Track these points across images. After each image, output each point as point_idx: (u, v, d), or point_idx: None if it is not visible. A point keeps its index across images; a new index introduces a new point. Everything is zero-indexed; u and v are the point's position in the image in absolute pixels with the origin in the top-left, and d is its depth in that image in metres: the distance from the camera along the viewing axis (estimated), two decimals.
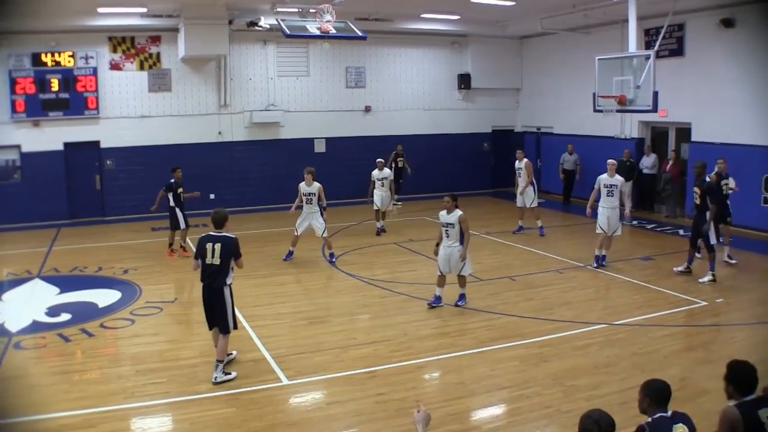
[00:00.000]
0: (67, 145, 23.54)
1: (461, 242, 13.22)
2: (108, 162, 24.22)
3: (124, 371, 10.46)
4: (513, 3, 22.28)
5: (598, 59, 18.49)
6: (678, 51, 22.73)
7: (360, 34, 20.34)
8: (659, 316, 13.10)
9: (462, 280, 13.60)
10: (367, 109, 28.12)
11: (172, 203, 18.77)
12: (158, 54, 24.48)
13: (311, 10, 20.24)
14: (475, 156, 29.70)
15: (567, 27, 25.69)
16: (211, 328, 10.61)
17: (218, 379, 10.02)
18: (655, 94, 16.77)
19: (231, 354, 10.90)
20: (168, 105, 24.79)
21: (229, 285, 10.57)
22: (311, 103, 27.12)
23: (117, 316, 13.24)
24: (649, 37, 22.94)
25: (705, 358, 10.90)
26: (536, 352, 11.28)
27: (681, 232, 20.99)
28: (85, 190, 24.19)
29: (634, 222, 22.06)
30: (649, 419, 5.84)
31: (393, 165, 25.27)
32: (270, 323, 12.73)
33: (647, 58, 17.01)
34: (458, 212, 13.10)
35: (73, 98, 23.31)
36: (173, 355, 11.12)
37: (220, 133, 25.61)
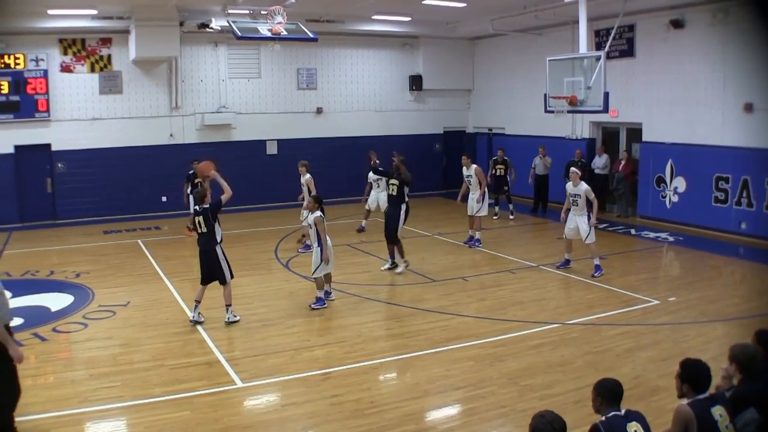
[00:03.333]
0: (17, 148, 23.24)
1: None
2: (59, 165, 23.93)
3: (78, 376, 10.40)
4: (464, 4, 22.40)
5: (549, 60, 18.66)
6: (628, 52, 23.04)
7: (311, 35, 20.41)
8: (612, 315, 13.27)
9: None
10: (319, 111, 28.12)
11: (189, 191, 20.89)
12: (109, 56, 24.28)
13: (262, 12, 20.29)
14: (427, 157, 29.83)
15: (518, 28, 25.93)
16: (204, 284, 12.92)
17: (230, 320, 12.77)
18: (606, 95, 16.98)
19: (236, 317, 12.92)
20: (119, 107, 24.60)
21: (220, 243, 12.89)
22: (263, 105, 27.08)
23: (70, 320, 13.14)
24: (599, 38, 23.22)
25: (657, 356, 11.04)
26: (490, 352, 11.37)
27: (633, 231, 21.39)
28: (36, 194, 23.83)
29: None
30: (603, 418, 5.92)
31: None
32: (224, 326, 12.70)
33: (598, 59, 17.20)
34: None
35: (23, 101, 23.01)
36: (127, 359, 11.06)
37: (171, 135, 25.48)
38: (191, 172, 20.94)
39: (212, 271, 12.78)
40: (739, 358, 6.71)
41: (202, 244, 12.79)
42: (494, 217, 22.87)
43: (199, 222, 12.71)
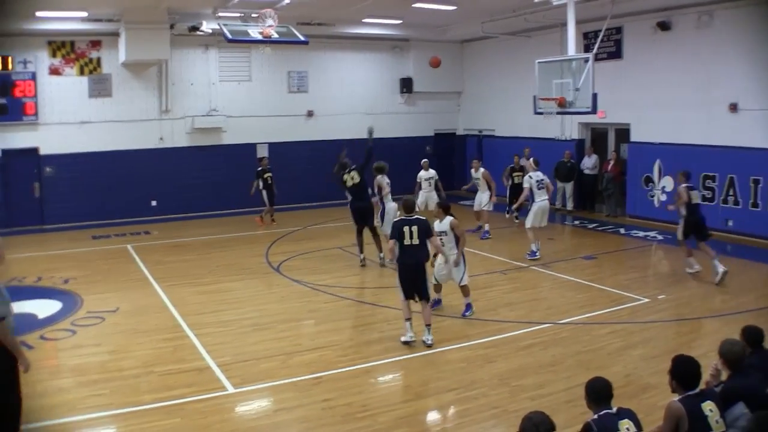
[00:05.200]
0: (4, 152, 23.00)
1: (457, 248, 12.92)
2: (47, 169, 23.68)
3: (66, 383, 10.27)
4: (454, 7, 22.43)
5: (538, 62, 18.69)
6: (616, 54, 23.22)
7: (302, 38, 20.39)
8: (602, 314, 13.32)
9: (465, 289, 13.31)
10: (310, 114, 28.04)
11: (261, 187, 23.07)
12: (99, 59, 24.09)
13: (253, 15, 20.27)
14: (418, 159, 29.53)
15: (507, 31, 25.93)
16: (409, 298, 11.76)
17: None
18: (594, 96, 17.07)
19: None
20: (109, 110, 24.39)
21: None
22: (253, 108, 26.93)
23: (57, 327, 12.98)
24: (588, 41, 23.31)
25: (648, 354, 11.08)
26: (482, 353, 11.36)
27: (622, 230, 21.57)
28: (23, 198, 23.52)
29: (576, 222, 22.28)
30: (595, 416, 5.99)
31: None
32: (214, 331, 12.59)
33: (586, 60, 17.28)
34: (449, 219, 12.88)
35: (11, 104, 22.77)
36: (116, 366, 10.92)
37: (161, 138, 25.32)
38: (260, 168, 23.02)
39: (417, 284, 11.75)
40: (727, 354, 6.81)
41: (412, 256, 11.65)
42: (515, 220, 22.81)
43: (411, 232, 11.61)
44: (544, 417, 5.49)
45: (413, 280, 11.67)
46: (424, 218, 11.78)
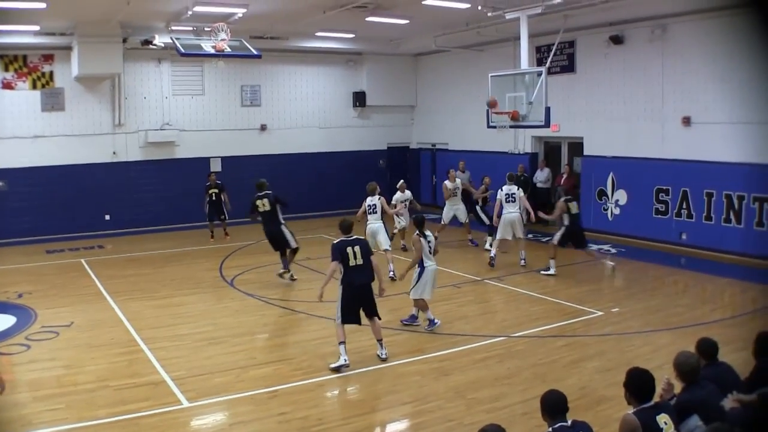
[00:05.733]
0: None
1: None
2: (0, 183, 23.64)
3: (21, 398, 10.23)
4: (407, 21, 22.54)
5: (491, 76, 18.84)
6: (569, 67, 23.46)
7: (255, 52, 20.50)
8: (557, 326, 13.48)
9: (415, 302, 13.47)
10: (263, 128, 28.07)
11: (206, 201, 23.14)
12: (51, 73, 23.97)
13: (206, 29, 20.31)
14: (371, 173, 29.75)
15: (461, 44, 26.09)
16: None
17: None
18: (548, 110, 17.24)
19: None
20: (62, 125, 24.27)
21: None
22: (207, 122, 26.95)
23: (12, 341, 12.96)
24: (540, 54, 23.52)
25: (603, 366, 11.22)
26: (437, 366, 11.46)
27: None
28: None
29: (530, 235, 22.59)
30: (550, 429, 6.07)
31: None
32: (169, 345, 12.63)
33: (539, 74, 17.43)
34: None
35: None
36: (71, 380, 10.94)
37: (114, 152, 25.20)
38: (207, 183, 22.88)
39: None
40: (682, 367, 6.87)
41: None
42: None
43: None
44: (500, 430, 5.61)
45: (362, 300, 11.57)
46: (363, 238, 11.84)
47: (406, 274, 13.40)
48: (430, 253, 13.15)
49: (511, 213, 18.50)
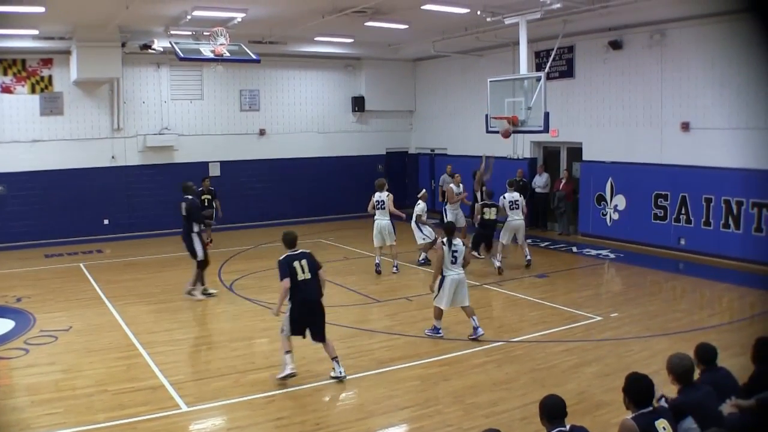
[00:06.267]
0: None
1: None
2: None
3: (19, 402, 10.25)
4: (406, 26, 22.55)
5: (491, 81, 18.94)
6: (568, 72, 23.48)
7: (254, 57, 20.50)
8: (556, 332, 13.47)
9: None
10: (262, 133, 28.08)
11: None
12: (50, 77, 23.99)
13: (205, 33, 20.32)
14: (370, 178, 29.60)
15: (459, 49, 26.18)
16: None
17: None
18: (547, 115, 17.31)
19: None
20: (60, 129, 24.30)
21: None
22: (205, 127, 26.96)
23: (10, 345, 12.95)
24: (539, 59, 23.57)
25: (602, 371, 11.21)
26: (436, 371, 11.45)
27: (574, 249, 21.70)
28: None
29: (529, 240, 22.58)
30: None
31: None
32: (168, 349, 12.61)
33: (538, 79, 17.52)
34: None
35: None
36: (69, 385, 10.92)
37: (113, 157, 25.21)
38: (200, 189, 21.65)
39: (315, 321, 11.04)
40: (676, 369, 6.92)
41: (309, 292, 11.02)
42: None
43: (302, 266, 10.96)
44: None
45: (312, 316, 11.01)
46: (308, 251, 11.42)
47: (433, 284, 13.22)
48: (454, 262, 12.80)
49: (516, 220, 18.64)
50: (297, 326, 10.97)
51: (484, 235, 18.80)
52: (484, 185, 20.55)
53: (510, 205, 18.60)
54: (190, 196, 16.48)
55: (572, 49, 23.15)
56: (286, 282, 10.81)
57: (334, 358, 11.07)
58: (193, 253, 16.16)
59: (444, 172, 24.40)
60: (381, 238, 18.49)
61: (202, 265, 16.29)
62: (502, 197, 18.80)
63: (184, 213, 16.19)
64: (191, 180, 20.72)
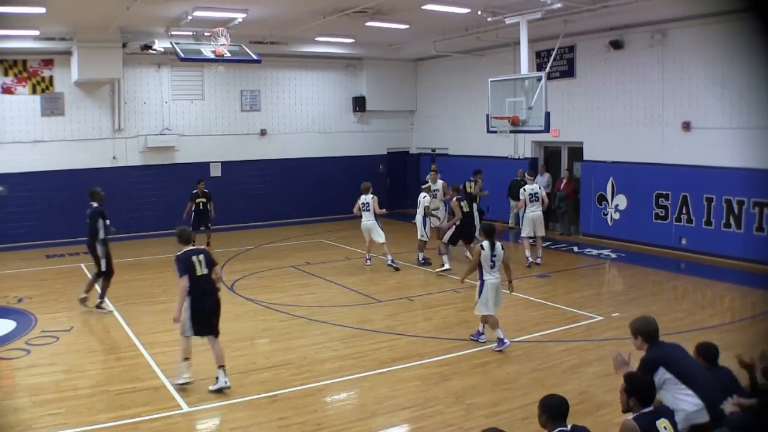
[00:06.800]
0: None
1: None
2: (0, 188, 23.63)
3: (21, 403, 10.25)
4: (406, 26, 22.55)
5: (491, 81, 18.95)
6: (569, 72, 23.49)
7: (255, 57, 20.49)
8: (557, 331, 13.49)
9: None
10: (263, 133, 28.09)
11: (192, 209, 22.02)
12: (51, 77, 24.01)
13: (206, 34, 20.31)
14: (371, 178, 29.58)
15: (460, 49, 26.18)
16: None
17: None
18: (547, 115, 17.32)
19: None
20: (61, 129, 24.33)
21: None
22: (206, 127, 26.97)
23: (12, 346, 12.95)
24: (540, 59, 23.57)
25: (603, 371, 11.12)
26: (437, 371, 11.44)
27: (575, 249, 21.69)
28: None
29: (531, 240, 22.60)
30: None
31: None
32: (169, 350, 12.53)
33: (539, 79, 17.54)
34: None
35: None
36: (71, 385, 10.93)
37: (114, 157, 25.23)
38: (194, 191, 21.95)
39: (215, 315, 10.97)
40: (646, 328, 7.42)
41: (207, 285, 10.95)
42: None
43: (200, 261, 10.86)
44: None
45: (213, 310, 10.93)
46: (205, 248, 11.33)
47: (465, 277, 13.36)
48: (493, 267, 12.36)
49: (535, 211, 19.08)
50: (199, 323, 10.72)
51: (465, 227, 18.72)
52: (477, 200, 20.91)
53: (530, 197, 19.01)
54: (94, 203, 16.11)
55: (573, 48, 23.16)
56: (185, 280, 10.65)
57: (221, 367, 10.68)
58: (97, 263, 15.63)
59: (443, 172, 24.27)
60: (368, 236, 19.36)
61: (105, 274, 15.67)
62: (522, 190, 19.29)
63: (88, 221, 15.76)
64: (191, 180, 20.79)
